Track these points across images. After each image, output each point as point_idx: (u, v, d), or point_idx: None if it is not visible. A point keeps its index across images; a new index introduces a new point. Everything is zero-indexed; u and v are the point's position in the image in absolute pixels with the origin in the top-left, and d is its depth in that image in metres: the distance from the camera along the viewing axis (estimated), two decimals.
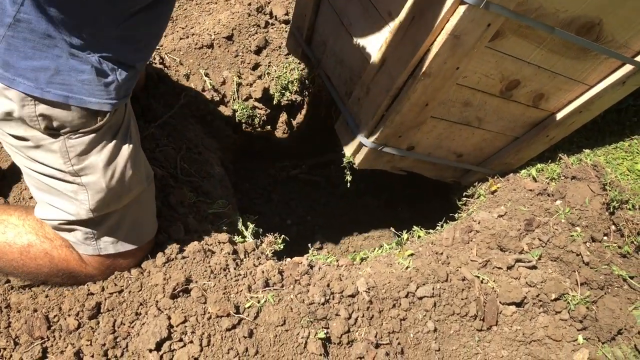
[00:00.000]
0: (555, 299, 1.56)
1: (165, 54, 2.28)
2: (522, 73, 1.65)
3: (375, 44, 1.64)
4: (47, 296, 1.45)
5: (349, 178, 1.87)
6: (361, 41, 1.75)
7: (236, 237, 1.70)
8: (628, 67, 1.67)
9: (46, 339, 1.36)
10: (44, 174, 1.24)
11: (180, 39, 2.38)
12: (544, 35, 1.50)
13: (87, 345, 1.36)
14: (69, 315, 1.40)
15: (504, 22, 1.39)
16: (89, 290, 1.45)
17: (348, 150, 1.84)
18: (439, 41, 1.38)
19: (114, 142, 1.25)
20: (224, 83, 2.36)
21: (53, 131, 1.16)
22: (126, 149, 1.28)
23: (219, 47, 2.40)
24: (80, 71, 1.10)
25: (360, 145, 1.74)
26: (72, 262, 1.41)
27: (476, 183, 2.03)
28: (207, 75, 2.32)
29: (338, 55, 1.94)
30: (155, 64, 2.21)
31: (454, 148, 1.95)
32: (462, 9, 1.30)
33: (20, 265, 1.38)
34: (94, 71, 1.11)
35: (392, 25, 1.53)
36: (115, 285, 1.43)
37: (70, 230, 1.36)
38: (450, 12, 1.33)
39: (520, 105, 1.80)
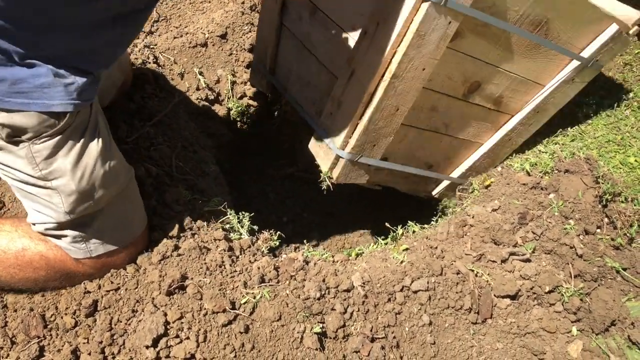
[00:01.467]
0: (549, 292, 1.58)
1: (160, 53, 2.28)
2: (481, 74, 1.72)
3: (341, 59, 1.70)
4: (43, 295, 1.45)
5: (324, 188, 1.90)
6: (326, 60, 1.82)
7: (232, 234, 1.71)
8: (575, 64, 1.77)
9: (43, 338, 1.37)
10: (20, 180, 1.25)
11: (174, 37, 2.39)
12: (498, 33, 1.57)
13: (84, 343, 1.36)
14: (66, 314, 1.41)
15: (462, 20, 1.45)
16: (85, 288, 1.46)
17: (324, 165, 1.89)
18: (405, 42, 1.44)
19: (80, 142, 1.25)
20: (218, 81, 2.37)
21: (16, 139, 1.16)
22: (94, 149, 1.27)
23: (213, 45, 2.41)
24: (36, 76, 1.09)
25: (337, 158, 1.79)
26: (68, 262, 1.41)
27: (471, 179, 2.05)
28: (201, 73, 2.32)
29: (304, 78, 2.00)
30: (150, 63, 2.22)
31: (425, 158, 2.01)
32: (424, 6, 1.36)
33: (17, 271, 1.38)
34: (51, 73, 1.11)
35: (357, 37, 1.59)
36: (112, 283, 1.44)
37: (58, 237, 1.36)
38: (413, 12, 1.39)
39: (483, 109, 1.88)
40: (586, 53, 1.75)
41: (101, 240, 1.39)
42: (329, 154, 1.83)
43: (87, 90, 1.20)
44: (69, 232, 1.35)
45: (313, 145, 1.93)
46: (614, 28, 1.68)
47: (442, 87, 1.72)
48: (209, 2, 2.62)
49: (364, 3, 1.59)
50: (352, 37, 1.64)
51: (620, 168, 1.98)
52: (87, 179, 1.27)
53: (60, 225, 1.33)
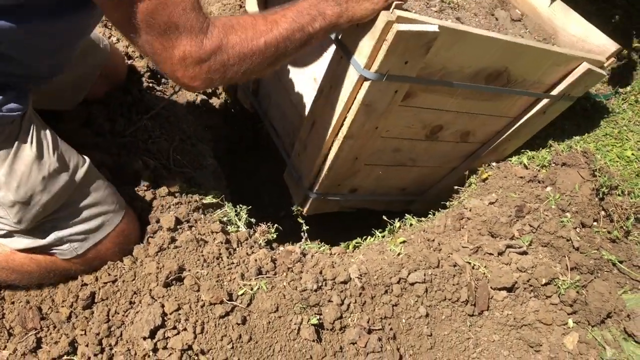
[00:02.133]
0: (546, 284, 1.58)
1: None
2: (442, 119, 1.74)
3: (306, 104, 1.75)
4: (39, 288, 1.46)
5: (304, 228, 1.92)
6: (296, 100, 1.86)
7: (229, 227, 1.71)
8: (545, 100, 1.75)
9: (40, 330, 1.37)
10: None
11: None
12: (453, 88, 1.58)
13: (81, 334, 1.36)
14: (62, 306, 1.41)
15: (411, 85, 1.47)
16: (82, 281, 1.46)
17: (296, 199, 1.97)
18: (354, 109, 1.47)
19: (12, 152, 1.21)
20: None
21: None
22: (28, 155, 1.24)
23: None
24: None
25: (306, 197, 1.85)
26: (58, 262, 1.41)
27: (466, 172, 2.05)
28: None
29: (281, 108, 2.05)
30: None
31: (396, 184, 2.04)
32: (366, 84, 1.38)
33: (9, 273, 1.38)
34: None
35: (317, 90, 1.61)
36: (109, 275, 1.44)
37: (38, 245, 1.36)
38: (357, 88, 1.41)
39: (449, 143, 1.91)
40: (556, 90, 1.71)
41: (81, 237, 1.38)
42: (299, 191, 1.90)
43: (12, 103, 1.18)
44: (42, 241, 1.35)
45: (287, 177, 2.01)
46: (585, 66, 1.62)
47: (402, 134, 1.74)
48: None
49: (319, 65, 1.62)
50: (315, 89, 1.65)
51: (617, 161, 1.98)
52: (25, 187, 1.23)
53: (26, 234, 1.32)
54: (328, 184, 1.74)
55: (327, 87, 1.51)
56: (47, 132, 1.30)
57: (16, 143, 1.22)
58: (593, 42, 1.71)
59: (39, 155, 1.26)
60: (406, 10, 1.30)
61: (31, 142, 1.24)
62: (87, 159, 1.40)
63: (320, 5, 1.21)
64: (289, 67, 1.88)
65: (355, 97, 1.44)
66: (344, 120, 1.53)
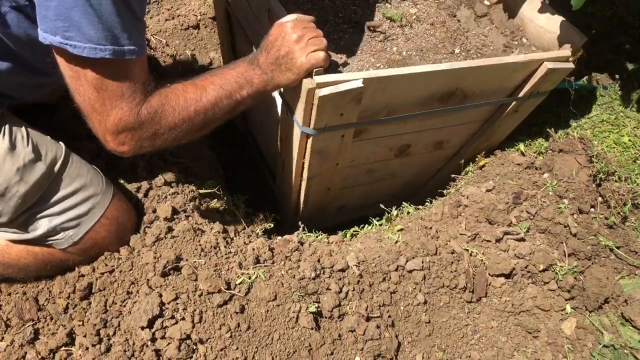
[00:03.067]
0: (544, 270, 1.58)
1: (151, 35, 2.26)
2: (406, 140, 1.75)
3: (277, 144, 1.77)
4: (36, 279, 1.45)
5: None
6: (273, 135, 1.87)
7: (226, 216, 1.70)
8: (514, 102, 1.72)
9: (37, 321, 1.37)
10: None
11: (166, 20, 2.36)
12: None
13: (79, 325, 1.36)
14: (60, 297, 1.41)
15: (356, 127, 1.51)
16: (79, 272, 1.45)
17: (287, 220, 2.00)
18: (307, 156, 1.53)
19: None
20: (211, 64, 2.35)
21: None
22: (0, 147, 1.24)
23: (205, 27, 2.39)
24: None
25: (293, 222, 1.87)
26: (55, 253, 1.40)
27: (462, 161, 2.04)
28: (193, 56, 2.30)
29: (268, 132, 2.06)
30: None
31: (384, 193, 2.07)
32: (310, 138, 1.45)
33: (5, 267, 1.38)
34: None
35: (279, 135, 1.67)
36: (106, 265, 1.43)
37: (31, 237, 1.36)
38: (303, 140, 1.47)
39: (424, 154, 1.91)
40: (522, 92, 1.66)
41: (73, 223, 1.37)
42: (288, 214, 1.94)
43: None
44: (33, 234, 1.35)
45: (278, 198, 2.05)
46: (546, 66, 1.55)
47: (370, 159, 1.76)
48: None
49: (277, 113, 1.66)
50: (279, 133, 1.69)
51: (614, 147, 1.98)
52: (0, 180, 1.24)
53: (14, 227, 1.33)
54: (310, 211, 1.78)
55: (284, 136, 1.54)
56: (22, 127, 1.30)
57: None
58: (560, 34, 1.63)
59: (12, 147, 1.26)
60: (337, 61, 1.40)
61: (3, 136, 1.25)
62: (63, 146, 1.39)
63: (248, 73, 1.27)
64: (263, 107, 1.93)
65: (305, 147, 1.50)
66: (303, 164, 1.59)
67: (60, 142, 1.39)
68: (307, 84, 1.27)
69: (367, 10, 1.71)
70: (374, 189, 1.96)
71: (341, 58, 1.50)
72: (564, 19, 1.61)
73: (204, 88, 1.23)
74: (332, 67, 1.45)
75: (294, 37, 1.24)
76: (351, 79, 1.29)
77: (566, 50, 1.59)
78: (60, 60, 1.05)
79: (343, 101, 1.33)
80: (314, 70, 1.27)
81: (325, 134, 1.44)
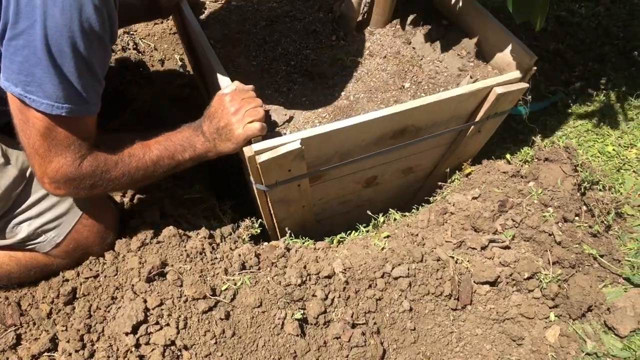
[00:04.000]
0: (528, 278, 1.59)
1: (140, 39, 2.25)
2: (371, 173, 1.76)
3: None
4: (20, 285, 1.44)
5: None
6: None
7: (212, 221, 1.70)
8: (473, 125, 1.72)
9: (19, 326, 1.35)
10: None
11: (155, 24, 2.36)
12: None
13: (62, 330, 1.35)
14: (43, 302, 1.39)
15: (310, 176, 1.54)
16: (63, 276, 1.44)
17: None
18: (272, 205, 1.60)
19: None
20: None
21: None
22: None
23: None
24: None
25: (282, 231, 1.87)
26: (39, 258, 1.40)
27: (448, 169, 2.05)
28: (182, 60, 2.30)
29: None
30: (130, 49, 2.19)
31: (369, 210, 2.00)
32: (267, 192, 1.50)
33: None
34: None
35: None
36: (91, 270, 1.42)
37: (13, 242, 1.36)
38: (262, 194, 1.53)
39: (396, 180, 1.91)
40: (478, 117, 1.66)
41: (54, 224, 1.37)
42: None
43: None
44: (16, 237, 1.35)
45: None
46: (495, 92, 1.55)
47: (339, 194, 1.77)
48: None
49: None
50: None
51: (599, 157, 2.01)
52: None
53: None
54: (292, 231, 1.79)
55: (251, 184, 1.56)
56: None
57: None
58: (512, 54, 1.63)
59: None
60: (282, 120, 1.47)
61: None
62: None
63: (192, 138, 1.34)
64: None
65: (266, 199, 1.57)
66: (270, 210, 1.64)
67: None
68: (246, 151, 1.33)
69: (320, 52, 1.74)
70: (354, 215, 1.96)
71: (286, 115, 1.52)
72: (516, 39, 1.60)
73: (149, 146, 1.29)
74: (274, 126, 1.50)
75: (232, 110, 1.30)
76: (288, 141, 1.35)
77: (516, 72, 1.58)
78: (14, 103, 1.07)
79: (285, 161, 1.38)
80: (252, 139, 1.34)
81: (280, 187, 1.50)
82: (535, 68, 1.58)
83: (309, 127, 1.51)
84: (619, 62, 2.38)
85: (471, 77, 1.66)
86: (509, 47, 1.61)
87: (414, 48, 1.79)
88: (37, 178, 1.19)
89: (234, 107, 1.30)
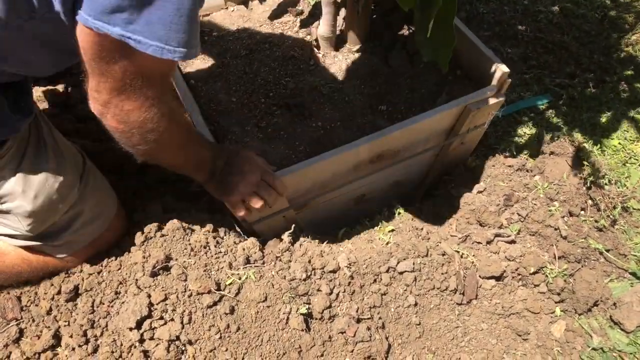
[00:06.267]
0: (534, 273, 1.58)
1: None
2: (359, 192, 1.76)
3: None
4: (25, 283, 1.43)
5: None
6: None
7: (217, 215, 1.69)
8: (452, 140, 1.71)
9: (21, 320, 1.34)
10: None
11: None
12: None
13: (65, 325, 1.34)
14: (44, 299, 1.38)
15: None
16: (66, 272, 1.43)
17: None
18: (259, 232, 1.59)
19: (25, 161, 1.20)
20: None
21: None
22: (42, 164, 1.23)
23: None
24: None
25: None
26: (51, 262, 1.39)
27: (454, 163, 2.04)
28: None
29: None
30: None
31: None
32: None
33: None
34: None
35: None
36: (94, 265, 1.41)
37: (38, 245, 1.35)
38: (249, 226, 1.54)
39: (388, 192, 1.88)
40: (459, 131, 1.65)
41: (81, 235, 1.37)
42: None
43: (20, 114, 1.16)
44: (45, 242, 1.34)
45: None
46: (469, 110, 1.55)
47: (330, 213, 1.76)
48: None
49: None
50: None
51: (605, 150, 1.99)
52: (42, 197, 1.23)
53: (31, 239, 1.32)
54: None
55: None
56: (55, 134, 1.30)
57: (28, 152, 1.21)
58: (486, 67, 1.61)
59: (55, 165, 1.25)
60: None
61: (44, 151, 1.24)
62: (82, 157, 1.39)
63: (205, 161, 1.30)
64: None
65: (254, 230, 1.58)
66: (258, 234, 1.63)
67: (80, 152, 1.40)
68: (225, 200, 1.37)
69: (299, 79, 1.76)
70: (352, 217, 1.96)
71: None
72: (490, 52, 1.59)
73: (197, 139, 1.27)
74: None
75: (247, 180, 1.32)
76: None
77: (491, 87, 1.57)
78: (96, 42, 0.92)
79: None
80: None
81: (266, 221, 1.52)
82: (509, 80, 1.58)
83: (286, 162, 1.54)
84: (626, 55, 2.36)
85: (447, 94, 1.66)
86: (484, 60, 1.60)
87: (390, 65, 1.79)
88: (93, 101, 1.03)
89: (251, 180, 1.32)
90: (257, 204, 1.33)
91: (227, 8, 1.97)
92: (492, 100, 1.57)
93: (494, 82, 1.57)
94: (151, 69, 0.97)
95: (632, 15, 2.52)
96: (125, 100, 0.99)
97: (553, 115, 2.14)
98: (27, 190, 1.20)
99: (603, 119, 2.11)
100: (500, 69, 1.54)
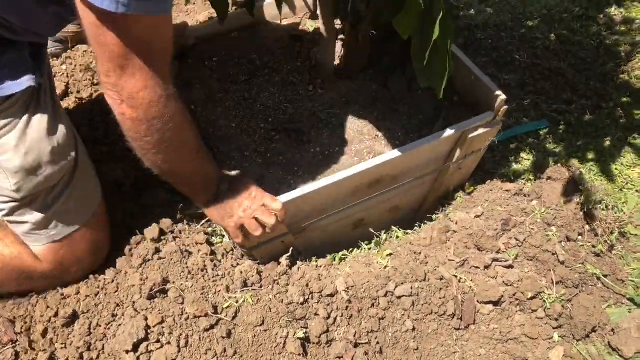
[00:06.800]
0: (532, 298, 1.58)
1: None
2: (357, 217, 1.77)
3: None
4: (14, 303, 1.42)
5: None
6: None
7: (214, 237, 1.69)
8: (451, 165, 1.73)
9: (17, 342, 1.33)
10: None
11: None
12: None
13: (61, 348, 1.33)
14: (40, 322, 1.37)
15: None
16: (62, 294, 1.43)
17: None
18: (256, 256, 1.60)
19: (25, 117, 1.23)
20: None
21: None
22: (41, 123, 1.25)
23: None
24: None
25: None
26: (25, 258, 1.37)
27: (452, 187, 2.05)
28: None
29: None
30: None
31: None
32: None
33: None
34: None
35: None
36: (91, 287, 1.41)
37: (19, 222, 1.33)
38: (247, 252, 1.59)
39: (387, 217, 1.90)
40: (455, 158, 1.67)
41: (62, 222, 1.36)
42: None
43: (29, 74, 1.20)
44: (29, 217, 1.32)
45: None
46: (466, 135, 1.57)
47: (328, 238, 1.77)
48: (193, 3, 2.60)
49: None
50: None
51: (601, 176, 2.00)
52: (33, 155, 1.24)
53: (16, 208, 1.30)
54: None
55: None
56: (60, 106, 1.34)
57: (30, 111, 1.24)
58: (482, 93, 1.64)
59: (52, 126, 1.27)
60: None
61: (44, 111, 1.26)
62: (80, 142, 1.42)
63: (211, 185, 1.35)
64: None
65: (254, 257, 1.60)
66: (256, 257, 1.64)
67: (75, 137, 1.41)
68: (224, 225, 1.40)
69: (298, 104, 1.78)
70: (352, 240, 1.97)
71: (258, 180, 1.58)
72: (487, 78, 1.62)
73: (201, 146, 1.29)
74: None
75: (246, 206, 1.35)
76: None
77: (487, 113, 1.59)
78: (85, 17, 0.98)
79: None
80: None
81: (264, 246, 1.53)
82: (505, 107, 1.59)
83: (285, 187, 1.56)
84: (622, 82, 2.39)
85: (444, 120, 1.69)
86: (481, 87, 1.63)
87: (389, 90, 1.81)
88: (111, 100, 1.08)
89: (251, 207, 1.34)
90: (256, 231, 1.35)
91: (230, 34, 2.00)
92: (489, 127, 1.59)
93: (491, 109, 1.59)
94: (137, 36, 0.99)
95: (628, 43, 2.56)
96: (130, 79, 1.03)
97: (550, 141, 2.15)
98: (19, 145, 1.22)
99: (599, 145, 2.12)
100: (497, 96, 1.56)
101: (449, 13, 1.22)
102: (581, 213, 1.79)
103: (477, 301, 1.58)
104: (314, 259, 1.70)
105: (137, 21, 0.97)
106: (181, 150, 1.22)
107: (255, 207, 1.35)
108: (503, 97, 1.55)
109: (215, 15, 2.21)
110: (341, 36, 1.83)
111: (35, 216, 1.33)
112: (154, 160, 1.21)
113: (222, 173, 1.39)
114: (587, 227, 1.78)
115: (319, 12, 1.68)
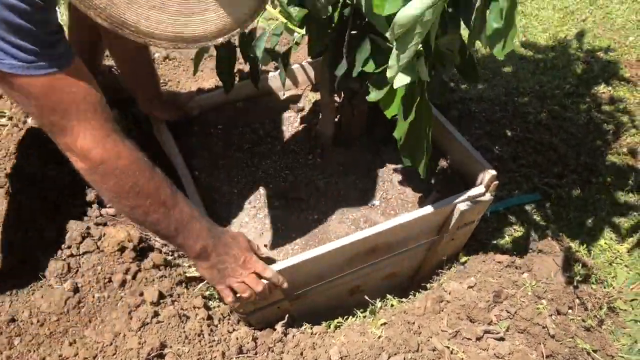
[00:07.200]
0: None
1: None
2: (353, 284, 1.82)
3: None
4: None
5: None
6: None
7: (211, 301, 1.72)
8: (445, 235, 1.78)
9: None
10: None
11: None
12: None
13: None
14: None
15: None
16: (61, 355, 1.44)
17: None
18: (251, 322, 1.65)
19: None
20: None
21: None
22: None
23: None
24: None
25: None
26: None
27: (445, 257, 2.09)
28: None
29: None
30: None
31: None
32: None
33: None
34: None
35: None
36: (90, 349, 1.43)
37: None
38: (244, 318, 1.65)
39: (383, 284, 1.96)
40: (449, 228, 1.73)
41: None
42: None
43: None
44: None
45: None
46: (459, 209, 1.63)
47: (324, 304, 1.81)
48: (202, 70, 2.72)
49: None
50: None
51: (592, 250, 2.05)
52: None
53: None
54: None
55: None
56: None
57: None
58: (474, 169, 1.73)
59: None
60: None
61: None
62: None
63: (201, 236, 1.31)
64: None
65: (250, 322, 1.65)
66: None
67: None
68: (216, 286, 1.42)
69: (297, 172, 1.87)
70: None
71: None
72: (477, 154, 1.70)
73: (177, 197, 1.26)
74: None
75: (239, 269, 1.36)
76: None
77: (479, 187, 1.67)
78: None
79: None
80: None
81: (260, 312, 1.57)
82: (496, 182, 1.66)
83: (281, 255, 1.62)
84: (611, 157, 2.47)
85: (437, 192, 1.76)
86: (472, 162, 1.71)
87: (384, 160, 1.90)
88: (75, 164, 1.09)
89: (244, 271, 1.37)
90: (245, 293, 1.37)
91: (235, 103, 2.09)
92: (480, 200, 1.65)
93: (482, 183, 1.66)
94: (36, 94, 0.97)
95: (615, 123, 2.66)
96: (68, 137, 1.04)
97: (542, 214, 2.21)
98: None
99: (589, 220, 2.18)
100: (488, 172, 1.63)
101: (426, 100, 1.28)
102: (571, 287, 1.83)
103: None
104: (308, 325, 1.72)
105: (31, 84, 0.96)
106: (144, 198, 1.18)
107: (246, 275, 1.37)
108: (494, 173, 1.62)
109: None
110: (340, 107, 1.92)
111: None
112: (119, 208, 1.20)
113: (215, 229, 1.36)
114: (577, 300, 1.82)
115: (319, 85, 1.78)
